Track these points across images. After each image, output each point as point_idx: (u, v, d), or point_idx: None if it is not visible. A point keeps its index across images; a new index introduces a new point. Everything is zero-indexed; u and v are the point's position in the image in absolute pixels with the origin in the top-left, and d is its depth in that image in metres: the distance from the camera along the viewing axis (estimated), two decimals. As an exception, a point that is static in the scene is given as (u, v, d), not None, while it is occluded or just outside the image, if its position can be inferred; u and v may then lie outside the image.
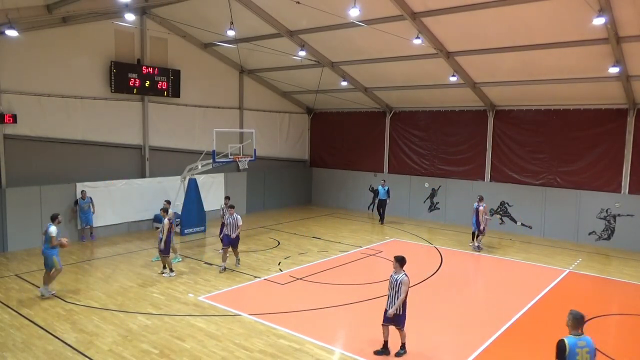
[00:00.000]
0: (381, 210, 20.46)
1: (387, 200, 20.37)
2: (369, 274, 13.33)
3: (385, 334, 8.37)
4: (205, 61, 20.25)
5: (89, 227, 16.31)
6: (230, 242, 13.11)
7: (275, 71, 21.12)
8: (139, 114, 18.25)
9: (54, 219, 11.13)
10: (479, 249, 15.91)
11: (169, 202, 14.56)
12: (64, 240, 11.16)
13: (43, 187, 15.38)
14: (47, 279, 11.03)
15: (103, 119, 17.14)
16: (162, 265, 12.88)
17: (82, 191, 16.09)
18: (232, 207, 13.37)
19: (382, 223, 20.26)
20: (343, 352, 8.53)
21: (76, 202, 16.04)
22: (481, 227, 15.72)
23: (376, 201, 21.08)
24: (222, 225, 14.26)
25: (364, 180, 23.09)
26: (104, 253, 14.92)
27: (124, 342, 8.67)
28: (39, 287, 11.17)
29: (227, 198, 15.34)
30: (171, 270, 12.72)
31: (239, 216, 13.25)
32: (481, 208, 15.61)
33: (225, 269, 13.07)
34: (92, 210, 16.15)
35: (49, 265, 10.94)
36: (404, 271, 8.22)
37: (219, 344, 8.65)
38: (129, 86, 17.35)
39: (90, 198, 16.16)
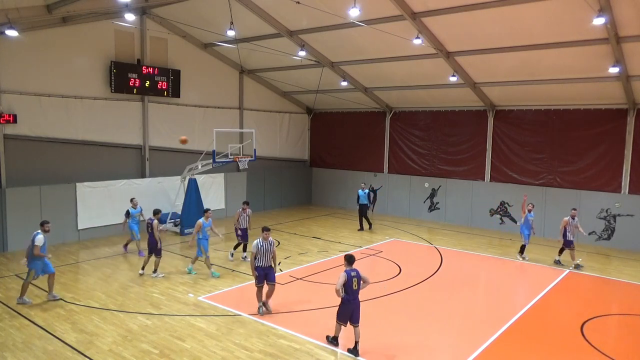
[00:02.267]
0: (364, 216, 18.85)
1: (369, 205, 19.10)
2: (369, 274, 13.04)
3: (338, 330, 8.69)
4: (205, 61, 20.25)
5: (136, 241, 14.63)
6: (267, 275, 10.00)
7: (275, 71, 21.12)
8: (139, 114, 18.25)
9: (43, 225, 10.33)
10: (580, 267, 14.22)
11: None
12: (49, 255, 10.51)
13: (43, 187, 15.37)
14: (24, 289, 10.49)
15: (103, 119, 17.14)
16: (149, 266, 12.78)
17: (132, 199, 14.77)
18: (268, 229, 10.03)
19: (369, 228, 18.80)
20: (343, 352, 8.52)
21: (127, 213, 14.52)
22: (570, 238, 14.23)
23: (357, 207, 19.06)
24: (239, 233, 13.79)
25: (364, 180, 23.03)
26: (104, 253, 14.91)
27: (124, 342, 8.67)
28: (41, 289, 11.15)
29: (246, 203, 13.62)
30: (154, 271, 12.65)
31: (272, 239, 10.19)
32: (574, 221, 14.28)
33: (263, 307, 10.15)
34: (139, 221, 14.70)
35: (28, 275, 10.36)
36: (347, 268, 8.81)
37: (219, 344, 8.65)
38: (129, 86, 17.36)
39: (141, 207, 14.83)
